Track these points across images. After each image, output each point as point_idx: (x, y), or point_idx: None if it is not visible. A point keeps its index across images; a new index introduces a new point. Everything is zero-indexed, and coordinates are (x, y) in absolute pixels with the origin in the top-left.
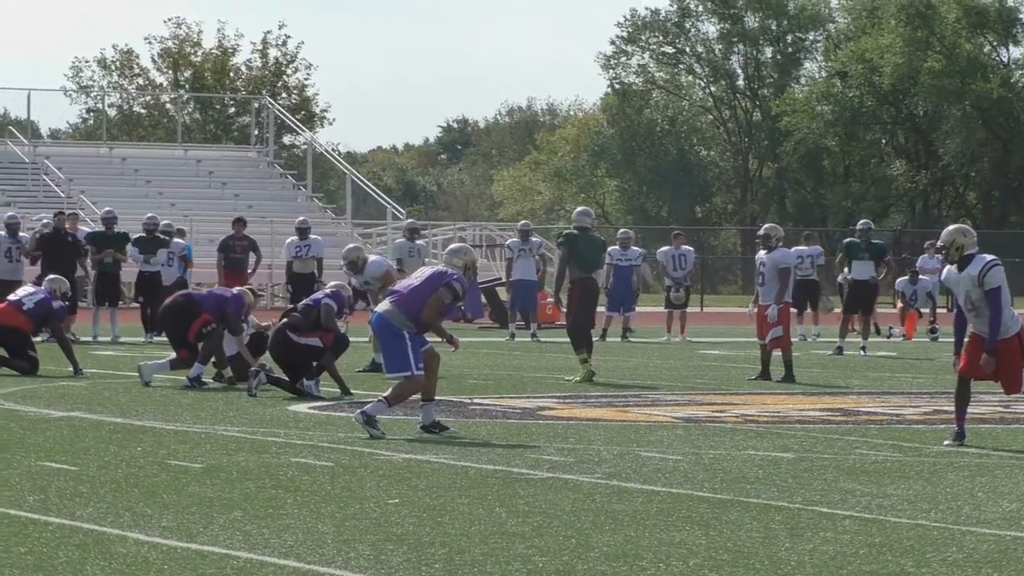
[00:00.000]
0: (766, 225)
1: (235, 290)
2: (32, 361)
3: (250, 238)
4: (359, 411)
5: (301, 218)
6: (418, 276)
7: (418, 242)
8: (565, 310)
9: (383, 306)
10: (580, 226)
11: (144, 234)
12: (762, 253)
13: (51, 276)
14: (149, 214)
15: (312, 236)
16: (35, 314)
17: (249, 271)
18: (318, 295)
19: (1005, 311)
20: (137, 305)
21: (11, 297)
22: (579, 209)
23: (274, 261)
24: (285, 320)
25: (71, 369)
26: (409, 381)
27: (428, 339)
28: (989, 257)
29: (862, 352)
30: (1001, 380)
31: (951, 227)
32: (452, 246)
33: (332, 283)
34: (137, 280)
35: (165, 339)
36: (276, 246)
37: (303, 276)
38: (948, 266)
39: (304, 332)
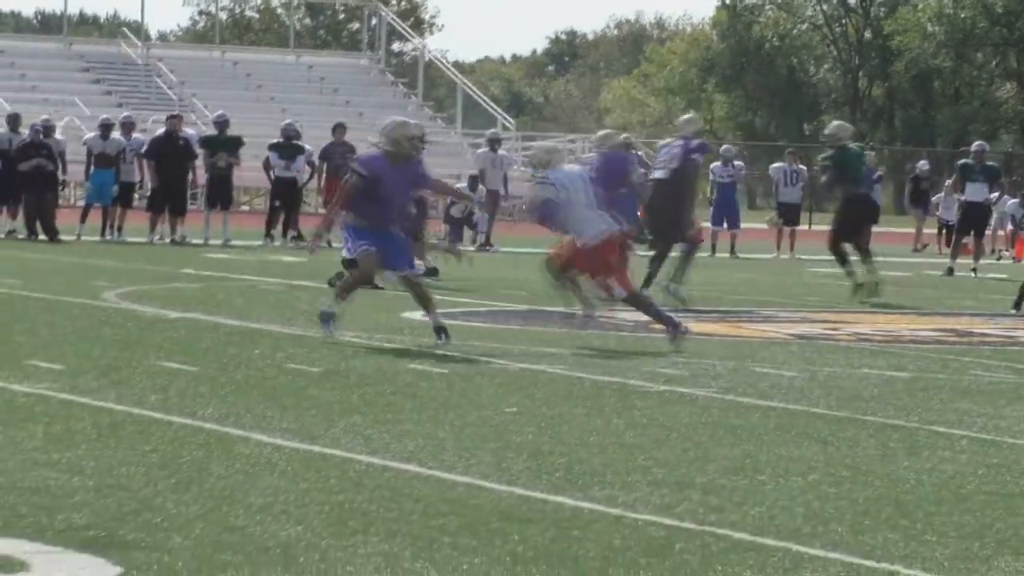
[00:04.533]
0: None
1: None
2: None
3: (349, 144)
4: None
5: None
6: None
7: (500, 152)
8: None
9: None
10: (838, 143)
11: (282, 140)
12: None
13: None
14: (288, 121)
15: None
16: None
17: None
18: None
19: None
20: (248, 209)
21: None
22: (835, 123)
23: None
24: None
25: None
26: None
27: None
28: None
29: (973, 274)
30: None
31: None
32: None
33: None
34: (274, 185)
35: (289, 243)
36: None
37: None
38: None
39: None
